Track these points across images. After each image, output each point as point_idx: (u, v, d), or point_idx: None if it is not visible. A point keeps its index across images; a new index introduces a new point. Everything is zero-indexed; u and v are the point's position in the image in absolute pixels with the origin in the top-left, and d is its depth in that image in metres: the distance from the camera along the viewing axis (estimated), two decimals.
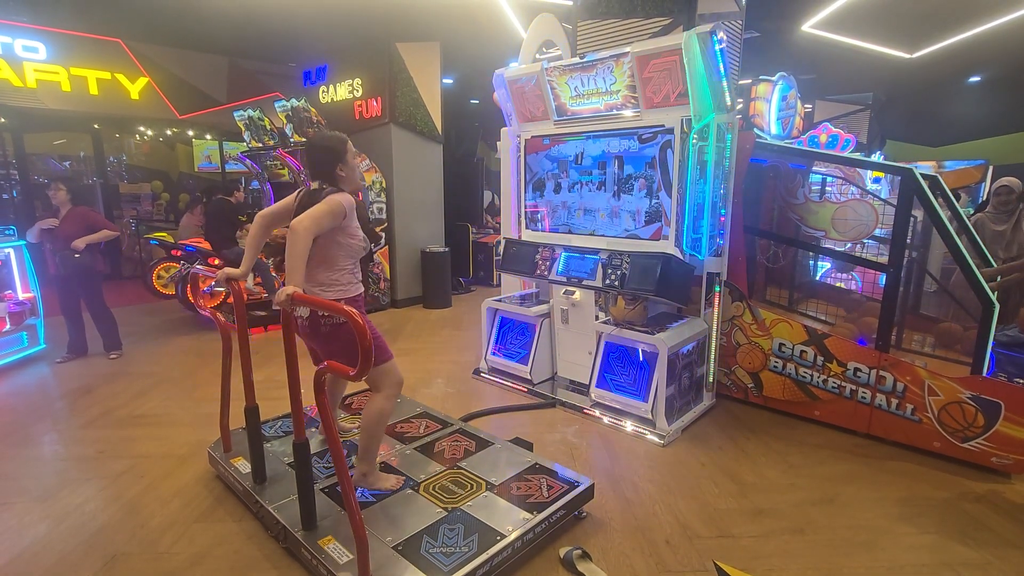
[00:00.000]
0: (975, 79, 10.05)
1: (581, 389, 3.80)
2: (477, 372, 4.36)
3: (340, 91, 7.24)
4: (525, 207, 4.00)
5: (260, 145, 6.56)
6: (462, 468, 2.61)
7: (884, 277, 3.22)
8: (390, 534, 2.11)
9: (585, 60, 3.33)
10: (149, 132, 9.44)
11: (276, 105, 6.17)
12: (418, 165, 6.95)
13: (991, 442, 2.84)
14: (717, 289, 3.50)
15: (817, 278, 4.67)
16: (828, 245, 3.72)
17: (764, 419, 3.57)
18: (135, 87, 7.90)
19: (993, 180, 5.81)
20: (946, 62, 8.35)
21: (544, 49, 4.90)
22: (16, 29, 6.88)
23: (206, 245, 5.82)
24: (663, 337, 3.21)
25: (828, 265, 4.55)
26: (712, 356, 3.62)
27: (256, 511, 2.44)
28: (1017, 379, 3.07)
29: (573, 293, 3.75)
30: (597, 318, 3.69)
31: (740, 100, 4.14)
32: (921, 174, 3.06)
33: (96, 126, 8.65)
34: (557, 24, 4.78)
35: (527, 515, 2.21)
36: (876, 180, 4.04)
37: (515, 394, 3.97)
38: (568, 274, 3.63)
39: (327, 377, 2.60)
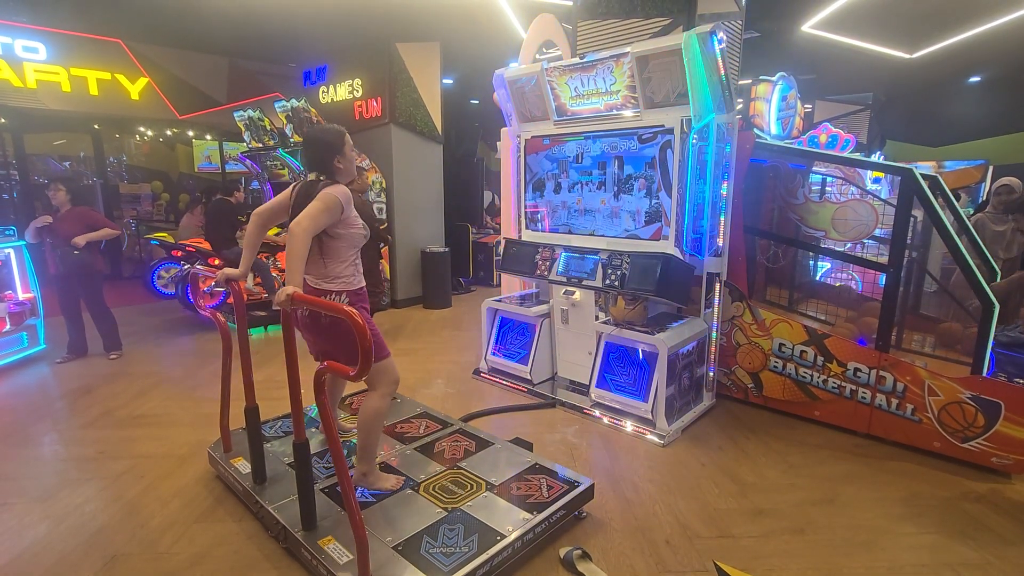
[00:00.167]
0: (975, 79, 10.05)
1: (581, 389, 3.80)
2: (477, 372, 4.36)
3: (340, 91, 7.24)
4: (525, 207, 4.00)
5: (260, 145, 6.57)
6: (462, 468, 2.61)
7: (884, 277, 3.22)
8: (390, 534, 2.11)
9: (585, 60, 3.33)
10: (149, 132, 9.44)
11: (276, 105, 6.17)
12: (418, 165, 6.95)
13: (991, 442, 2.84)
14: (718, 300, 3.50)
15: (817, 278, 4.67)
16: (828, 245, 3.72)
17: (764, 419, 3.57)
18: (135, 87, 7.90)
19: (993, 180, 5.82)
20: (946, 62, 8.35)
21: (544, 49, 4.90)
22: (16, 29, 6.88)
23: (206, 245, 5.82)
24: (663, 337, 3.21)
25: (828, 265, 4.55)
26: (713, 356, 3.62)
27: (256, 511, 2.44)
28: (1017, 379, 3.06)
29: (573, 293, 3.75)
30: (597, 318, 3.69)
31: (740, 100, 4.14)
32: (921, 174, 3.06)
33: (96, 126, 8.65)
34: (557, 24, 4.78)
35: (527, 515, 2.21)
36: (876, 180, 4.04)
37: (515, 394, 3.97)
38: (568, 274, 3.63)
39: (327, 377, 2.61)
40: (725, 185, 3.34)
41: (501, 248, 4.26)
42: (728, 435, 3.34)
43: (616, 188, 3.45)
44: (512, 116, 3.98)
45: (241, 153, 7.07)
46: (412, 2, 5.80)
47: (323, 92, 7.47)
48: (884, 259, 3.22)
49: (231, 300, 3.13)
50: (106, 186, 8.94)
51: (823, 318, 3.96)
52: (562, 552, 2.20)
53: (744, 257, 3.62)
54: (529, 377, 3.98)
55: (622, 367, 3.45)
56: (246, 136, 6.70)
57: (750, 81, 5.21)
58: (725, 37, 3.04)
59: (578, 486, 2.41)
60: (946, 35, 7.31)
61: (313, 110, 6.08)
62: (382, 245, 5.37)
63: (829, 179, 3.72)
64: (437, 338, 5.54)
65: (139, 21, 6.98)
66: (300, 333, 2.40)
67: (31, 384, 4.25)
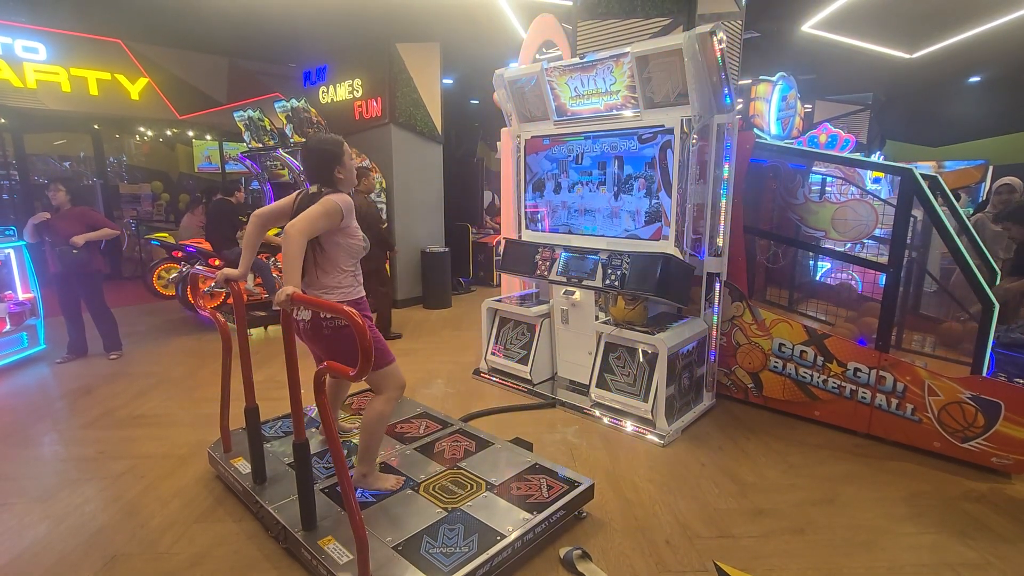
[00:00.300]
0: (975, 79, 10.06)
1: (581, 389, 3.80)
2: (477, 372, 4.36)
3: (340, 91, 7.24)
4: (525, 207, 4.00)
5: (260, 145, 6.57)
6: (462, 468, 2.61)
7: (884, 277, 3.22)
8: (390, 534, 2.11)
9: (585, 60, 3.33)
10: (149, 132, 9.45)
11: (276, 105, 6.17)
12: (418, 165, 6.95)
13: (991, 442, 2.84)
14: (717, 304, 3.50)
15: (817, 278, 4.67)
16: (828, 245, 3.72)
17: (764, 419, 3.57)
18: (135, 87, 7.91)
19: (993, 180, 5.82)
20: (946, 62, 8.36)
21: (544, 49, 4.90)
22: (16, 30, 6.89)
23: (207, 246, 5.82)
24: (663, 337, 3.21)
25: (828, 265, 4.55)
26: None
27: (256, 511, 2.44)
28: (1017, 379, 3.06)
29: (573, 293, 3.75)
30: (597, 318, 3.69)
31: (740, 100, 4.14)
32: (921, 174, 3.06)
33: (96, 126, 8.65)
34: (557, 24, 4.79)
35: (527, 515, 2.21)
36: (876, 180, 4.04)
37: (515, 394, 3.97)
38: (568, 274, 3.63)
39: (330, 379, 2.61)
40: (725, 185, 3.34)
41: (501, 248, 4.26)
42: (728, 435, 3.34)
43: (616, 188, 3.45)
44: (512, 116, 3.99)
45: (241, 153, 7.06)
46: (412, 2, 5.81)
47: (323, 92, 7.48)
48: (884, 259, 3.23)
49: (231, 300, 3.13)
50: (106, 186, 8.94)
51: (823, 318, 3.96)
52: (562, 552, 2.20)
53: (744, 257, 3.62)
54: (529, 377, 3.98)
55: (622, 367, 3.45)
56: (246, 136, 6.69)
57: (750, 81, 5.22)
58: (725, 37, 3.05)
59: (578, 486, 2.41)
60: (946, 35, 7.31)
61: (313, 110, 6.08)
62: (388, 252, 5.37)
63: (829, 179, 3.72)
64: (437, 338, 5.54)
65: (139, 21, 6.99)
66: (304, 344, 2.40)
67: (31, 384, 4.25)
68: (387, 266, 5.52)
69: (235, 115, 6.65)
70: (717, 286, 3.49)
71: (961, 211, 3.94)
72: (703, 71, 3.00)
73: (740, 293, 3.63)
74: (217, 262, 5.61)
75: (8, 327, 4.55)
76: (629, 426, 3.36)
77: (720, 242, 3.41)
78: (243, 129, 6.66)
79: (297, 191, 2.38)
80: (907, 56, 8.11)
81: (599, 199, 3.55)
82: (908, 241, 3.23)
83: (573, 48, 4.54)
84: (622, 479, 2.83)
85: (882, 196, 3.54)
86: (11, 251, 4.64)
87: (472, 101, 10.32)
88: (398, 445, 2.88)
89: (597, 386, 3.54)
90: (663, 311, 3.69)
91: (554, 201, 3.81)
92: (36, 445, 3.24)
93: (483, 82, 4.93)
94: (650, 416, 3.28)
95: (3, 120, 7.68)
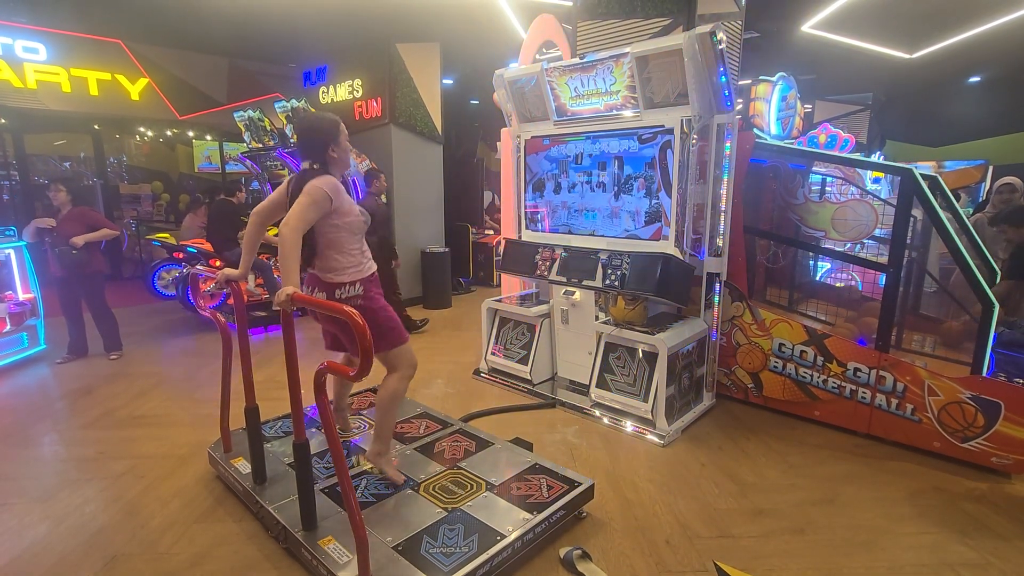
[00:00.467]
0: (975, 79, 10.06)
1: (581, 389, 3.80)
2: (477, 372, 4.36)
3: (340, 92, 7.24)
4: (525, 207, 4.00)
5: (260, 146, 6.57)
6: (462, 468, 2.61)
7: (884, 277, 3.22)
8: (390, 534, 2.11)
9: (585, 60, 3.33)
10: (149, 133, 9.45)
11: (276, 106, 6.17)
12: (418, 165, 6.95)
13: (991, 442, 2.84)
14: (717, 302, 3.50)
15: (817, 278, 4.67)
16: (828, 245, 3.72)
17: (764, 419, 3.57)
18: (135, 88, 7.91)
19: (993, 180, 5.82)
20: (946, 62, 8.36)
21: (544, 49, 4.91)
22: (16, 30, 6.89)
23: (208, 247, 5.82)
24: (663, 337, 3.21)
25: (828, 265, 4.55)
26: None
27: (256, 511, 2.44)
28: (1017, 379, 3.06)
29: (573, 293, 3.75)
30: (597, 318, 3.69)
31: (740, 100, 4.14)
32: (921, 174, 3.06)
33: (96, 127, 8.65)
34: (557, 25, 4.79)
35: (527, 515, 2.21)
36: (876, 180, 4.04)
37: (515, 394, 3.97)
38: (568, 274, 3.63)
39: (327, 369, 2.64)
40: (725, 185, 3.34)
41: (501, 248, 4.26)
42: (728, 435, 3.34)
43: (616, 188, 3.45)
44: (512, 116, 3.99)
45: (241, 153, 7.07)
46: (412, 2, 5.81)
47: (323, 92, 7.48)
48: (884, 259, 3.23)
49: (231, 301, 3.13)
50: (106, 186, 8.94)
51: (823, 318, 3.96)
52: (562, 552, 2.20)
53: (744, 257, 3.62)
54: (529, 377, 3.98)
55: (622, 367, 3.45)
56: (246, 136, 6.70)
57: (750, 81, 5.22)
58: (725, 37, 3.05)
59: (578, 486, 2.41)
60: (946, 35, 7.31)
61: (313, 110, 6.09)
62: (393, 262, 5.38)
63: (829, 179, 3.72)
64: (437, 338, 5.54)
65: (139, 22, 6.99)
66: (319, 323, 2.44)
67: (31, 384, 4.25)
68: (394, 272, 5.49)
69: (235, 115, 6.65)
70: (717, 287, 3.49)
71: (961, 211, 3.94)
72: (703, 71, 3.00)
73: (740, 293, 3.63)
74: (218, 263, 5.61)
75: (8, 327, 4.55)
76: (629, 426, 3.36)
77: (720, 242, 3.41)
78: (243, 129, 6.66)
79: (287, 179, 2.36)
80: (907, 56, 8.10)
81: (599, 199, 3.55)
82: (908, 241, 3.23)
83: (573, 48, 4.54)
84: (622, 479, 2.83)
85: (882, 196, 3.55)
86: (11, 251, 4.64)
87: (472, 101, 10.32)
88: (398, 445, 2.88)
89: (597, 386, 3.54)
90: (663, 311, 3.69)
91: (554, 201, 3.81)
92: (36, 445, 3.24)
93: (483, 82, 4.94)
94: (650, 416, 3.29)
95: (3, 120, 7.68)
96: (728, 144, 3.26)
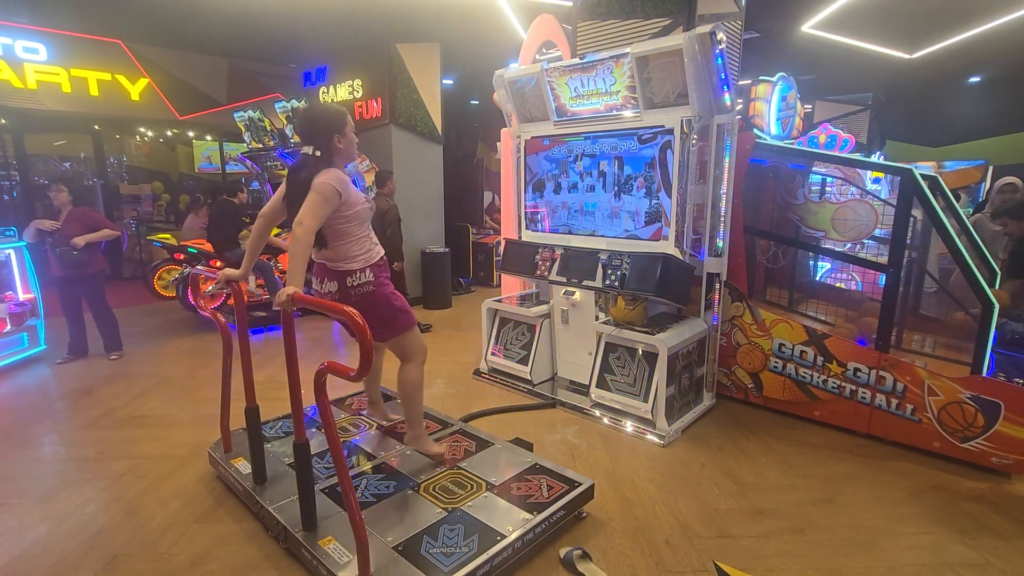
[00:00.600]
0: (975, 79, 10.06)
1: (581, 389, 3.80)
2: (477, 372, 4.36)
3: (340, 92, 7.24)
4: (525, 208, 4.00)
5: (260, 146, 6.57)
6: (462, 468, 2.61)
7: (884, 277, 3.23)
8: (390, 534, 2.11)
9: (585, 61, 3.33)
10: (149, 133, 9.46)
11: (276, 106, 6.17)
12: (418, 166, 6.96)
13: (991, 442, 2.84)
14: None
15: (817, 278, 4.67)
16: (828, 245, 3.72)
17: (764, 419, 3.57)
18: (135, 88, 7.92)
19: (993, 180, 5.82)
20: (946, 62, 8.36)
21: (544, 50, 4.91)
22: (16, 30, 6.90)
23: (208, 247, 5.82)
24: (663, 337, 3.21)
25: (828, 265, 4.55)
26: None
27: (256, 511, 2.44)
28: (1017, 379, 3.06)
29: (573, 294, 3.75)
30: (597, 318, 3.69)
31: (740, 100, 4.13)
32: (921, 174, 3.06)
33: (96, 127, 8.66)
34: (557, 25, 4.79)
35: (527, 515, 2.21)
36: (876, 180, 4.04)
37: (515, 394, 3.97)
38: (568, 274, 3.63)
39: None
40: (725, 185, 3.34)
41: (501, 248, 4.26)
42: (728, 435, 3.34)
43: (616, 188, 3.45)
44: (512, 116, 3.99)
45: (241, 154, 7.06)
46: (412, 3, 5.81)
47: (323, 93, 7.48)
48: (884, 259, 3.23)
49: (231, 301, 3.14)
50: (106, 187, 8.95)
51: (823, 318, 3.96)
52: (562, 552, 2.20)
53: (744, 257, 3.62)
54: (529, 377, 3.98)
55: (622, 367, 3.46)
56: (246, 137, 6.69)
57: (750, 81, 5.21)
58: (725, 37, 3.05)
59: (578, 486, 2.41)
60: (946, 35, 7.32)
61: None
62: (395, 265, 5.40)
63: (829, 179, 3.73)
64: (437, 338, 5.54)
65: (139, 22, 7.00)
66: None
67: (31, 385, 4.25)
68: (401, 273, 5.50)
69: (235, 115, 6.65)
70: (717, 287, 3.49)
71: (961, 211, 3.94)
72: (703, 71, 3.00)
73: (740, 293, 3.63)
74: (218, 263, 5.61)
75: (8, 327, 4.55)
76: (629, 426, 3.36)
77: (720, 242, 3.41)
78: (243, 130, 6.66)
79: (296, 163, 2.35)
80: (907, 56, 8.11)
81: (599, 199, 3.55)
82: (908, 241, 3.23)
83: (573, 48, 4.54)
84: (622, 479, 2.83)
85: (882, 196, 3.55)
86: (11, 252, 4.64)
87: (472, 101, 10.32)
88: (398, 445, 2.88)
89: (597, 386, 3.54)
90: (663, 311, 3.69)
91: (554, 201, 3.81)
92: (36, 445, 3.24)
93: (483, 83, 4.94)
94: (650, 416, 3.29)
95: (4, 121, 7.68)
96: (728, 144, 3.26)
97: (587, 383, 3.63)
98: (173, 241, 6.74)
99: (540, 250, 3.83)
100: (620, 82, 3.24)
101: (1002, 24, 6.74)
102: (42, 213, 8.15)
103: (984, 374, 3.02)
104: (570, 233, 3.76)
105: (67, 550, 2.27)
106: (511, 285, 4.81)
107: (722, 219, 3.37)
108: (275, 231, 5.88)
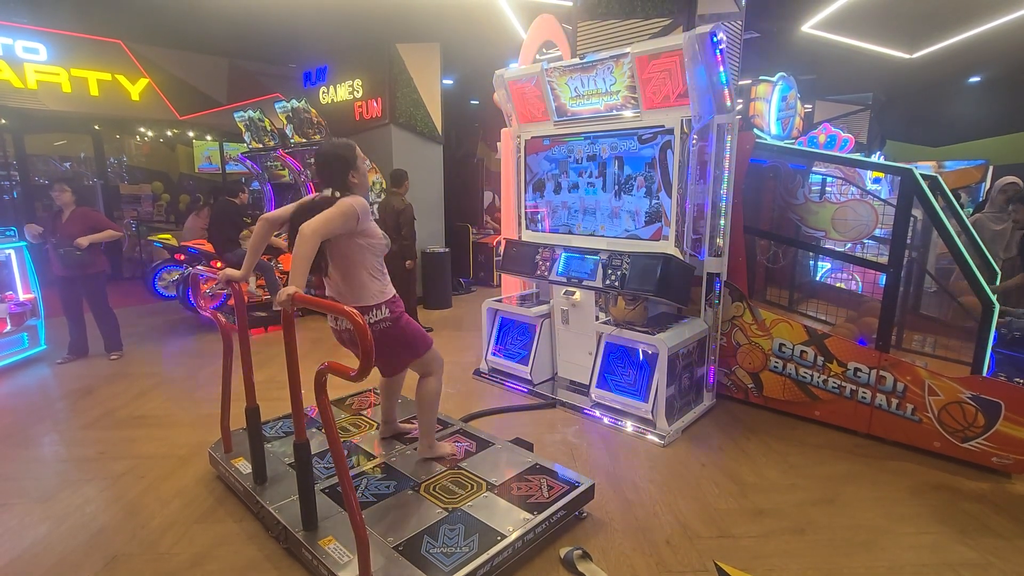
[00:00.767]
0: (975, 79, 10.05)
1: (581, 389, 3.80)
2: (477, 372, 4.36)
3: (340, 92, 7.24)
4: (525, 208, 4.01)
5: (260, 146, 6.57)
6: (463, 468, 2.61)
7: (884, 277, 3.23)
8: (391, 534, 2.11)
9: (585, 61, 3.33)
10: (149, 133, 9.46)
11: (276, 106, 6.18)
12: (418, 166, 6.95)
13: (991, 442, 2.84)
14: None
15: (817, 278, 4.67)
16: (828, 245, 3.73)
17: (764, 419, 3.57)
18: (135, 88, 7.92)
19: (993, 180, 5.81)
20: (946, 62, 8.36)
21: (544, 50, 4.91)
22: (17, 30, 6.90)
23: (209, 247, 5.82)
24: (663, 337, 3.21)
25: (828, 265, 4.55)
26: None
27: (257, 511, 2.45)
28: (1017, 379, 3.06)
29: (573, 294, 3.75)
30: (597, 318, 3.69)
31: (740, 100, 4.13)
32: (921, 174, 3.06)
33: (96, 127, 8.66)
34: (557, 25, 4.79)
35: (527, 515, 2.21)
36: (876, 180, 4.04)
37: (515, 394, 3.97)
38: (568, 274, 3.63)
39: (384, 378, 2.80)
40: (725, 186, 3.34)
41: (501, 248, 4.26)
42: (728, 435, 3.34)
43: (616, 188, 3.45)
44: (512, 116, 3.99)
45: (241, 154, 7.07)
46: (412, 3, 5.81)
47: (323, 93, 7.48)
48: (884, 259, 3.23)
49: (232, 301, 3.14)
50: (107, 187, 8.95)
51: (823, 318, 3.96)
52: (562, 552, 2.21)
53: (744, 257, 3.62)
54: (529, 377, 3.98)
55: (622, 367, 3.46)
56: (246, 137, 6.70)
57: (750, 81, 5.21)
58: (725, 37, 3.05)
59: (578, 486, 2.41)
60: (946, 35, 7.31)
61: (313, 111, 6.09)
62: (408, 262, 5.43)
63: (829, 179, 3.73)
64: (437, 338, 5.53)
65: (139, 22, 6.99)
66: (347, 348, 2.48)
67: (32, 385, 4.25)
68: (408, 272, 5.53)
69: (235, 116, 6.66)
70: (717, 288, 3.49)
71: (961, 212, 3.94)
72: (703, 71, 3.00)
73: (740, 293, 3.63)
74: (219, 264, 5.61)
75: (9, 327, 4.55)
76: (629, 426, 3.36)
77: (720, 242, 3.41)
78: (243, 130, 6.67)
79: (311, 196, 2.36)
80: (907, 56, 8.10)
81: (599, 199, 3.56)
82: (908, 241, 3.23)
83: (573, 48, 4.54)
84: (622, 479, 2.83)
85: (882, 196, 3.55)
86: (12, 252, 4.64)
87: (472, 101, 10.32)
88: (399, 445, 2.88)
89: (597, 386, 3.54)
90: (663, 311, 3.69)
91: (554, 201, 3.81)
92: (37, 446, 3.24)
93: (483, 83, 4.94)
94: (650, 416, 3.29)
95: (4, 121, 7.68)
96: (728, 144, 3.26)
97: (587, 383, 3.63)
98: (173, 241, 6.74)
99: (540, 250, 3.84)
100: (620, 82, 3.24)
101: (1002, 24, 6.73)
102: (42, 212, 8.18)
103: (984, 374, 3.02)
104: (570, 233, 3.76)
105: (67, 550, 2.28)
106: (511, 285, 4.81)
107: (722, 219, 3.37)
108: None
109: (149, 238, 7.41)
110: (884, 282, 3.21)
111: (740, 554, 2.25)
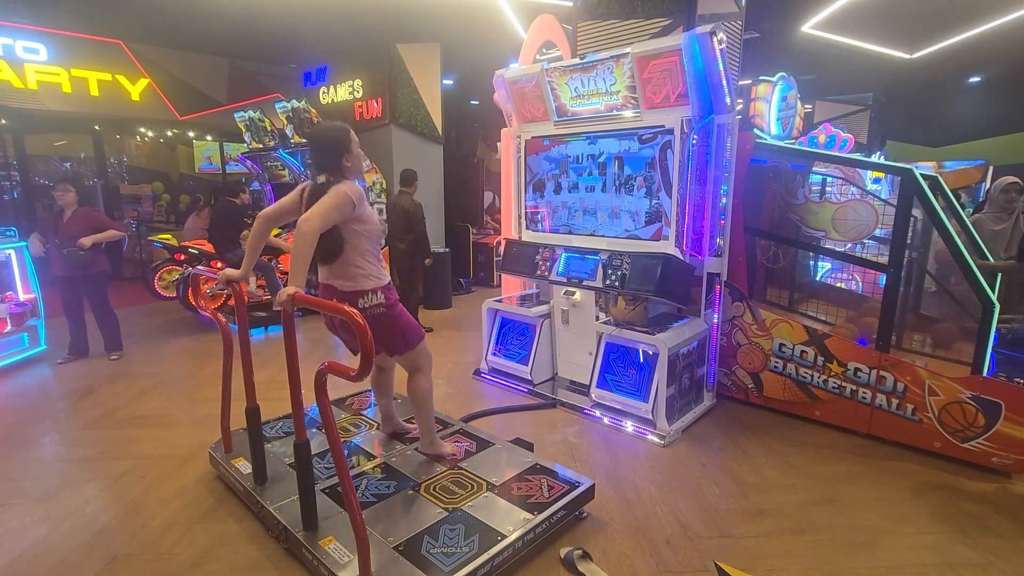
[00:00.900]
0: (975, 79, 10.05)
1: (582, 390, 3.80)
2: (478, 373, 4.36)
3: (340, 92, 7.25)
4: (525, 208, 4.01)
5: (260, 146, 6.58)
6: (463, 468, 2.61)
7: (884, 277, 3.23)
8: (391, 534, 2.11)
9: (585, 61, 3.33)
10: (150, 133, 9.46)
11: (276, 106, 6.18)
12: (418, 166, 6.92)
13: (991, 442, 2.84)
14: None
15: (817, 278, 4.68)
16: (828, 245, 3.73)
17: (764, 419, 3.57)
18: (136, 88, 7.92)
19: (993, 180, 5.81)
20: (946, 62, 8.36)
21: (544, 50, 4.91)
22: (17, 30, 6.90)
23: (209, 248, 5.82)
24: (663, 337, 3.21)
25: (828, 265, 4.55)
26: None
27: (257, 512, 2.45)
28: (1017, 379, 3.07)
29: (573, 294, 3.75)
30: (597, 318, 3.69)
31: (740, 101, 4.13)
32: (921, 174, 3.07)
33: (97, 127, 8.66)
34: (557, 25, 4.79)
35: (528, 515, 2.21)
36: (876, 180, 4.04)
37: (516, 395, 3.97)
38: (568, 274, 3.63)
39: (377, 375, 2.80)
40: (725, 186, 3.34)
41: (501, 248, 4.26)
42: (729, 435, 3.34)
43: (616, 188, 3.45)
44: (512, 117, 3.99)
45: (242, 154, 7.08)
46: (412, 3, 5.81)
47: (323, 93, 7.48)
48: (884, 259, 3.23)
49: (232, 302, 3.14)
50: (107, 187, 8.95)
51: (823, 318, 3.96)
52: (563, 552, 2.21)
53: (744, 257, 3.62)
54: (530, 377, 3.98)
55: (622, 367, 3.46)
56: (246, 137, 6.71)
57: (750, 81, 5.21)
58: (725, 38, 3.05)
59: (578, 486, 2.41)
60: (946, 35, 7.31)
61: (313, 111, 6.09)
62: (427, 259, 5.54)
63: (829, 179, 3.73)
64: (438, 338, 5.54)
65: (139, 22, 7.00)
66: (338, 335, 2.49)
67: (32, 385, 4.25)
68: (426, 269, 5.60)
69: (236, 116, 6.66)
70: (717, 287, 3.50)
71: (961, 212, 3.94)
72: (703, 71, 3.00)
73: (740, 293, 3.63)
74: (219, 264, 5.61)
75: (9, 328, 4.56)
76: (629, 426, 3.36)
77: (720, 242, 3.41)
78: (243, 130, 6.67)
79: (303, 185, 2.36)
80: (907, 56, 8.10)
81: (599, 199, 3.56)
82: (908, 241, 3.23)
83: (573, 49, 4.54)
84: (622, 479, 2.83)
85: (882, 196, 3.55)
86: (12, 252, 4.64)
87: (472, 102, 10.32)
88: (399, 445, 2.88)
89: (597, 386, 3.55)
90: (663, 311, 3.69)
91: (554, 201, 3.81)
92: (37, 446, 3.24)
93: (483, 83, 4.94)
94: (650, 416, 3.29)
95: (4, 121, 7.69)
96: (728, 144, 3.26)
97: (587, 383, 3.63)
98: (174, 241, 6.74)
99: (540, 250, 3.84)
100: (620, 82, 3.25)
101: (1002, 24, 6.73)
102: (42, 213, 8.18)
103: (984, 374, 3.02)
104: (570, 233, 3.76)
105: (68, 550, 2.28)
106: (511, 285, 4.81)
107: (722, 219, 3.37)
108: (275, 232, 5.89)
109: (149, 238, 7.41)
110: (884, 282, 3.21)
111: (740, 554, 2.25)
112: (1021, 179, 4.46)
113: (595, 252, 3.54)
